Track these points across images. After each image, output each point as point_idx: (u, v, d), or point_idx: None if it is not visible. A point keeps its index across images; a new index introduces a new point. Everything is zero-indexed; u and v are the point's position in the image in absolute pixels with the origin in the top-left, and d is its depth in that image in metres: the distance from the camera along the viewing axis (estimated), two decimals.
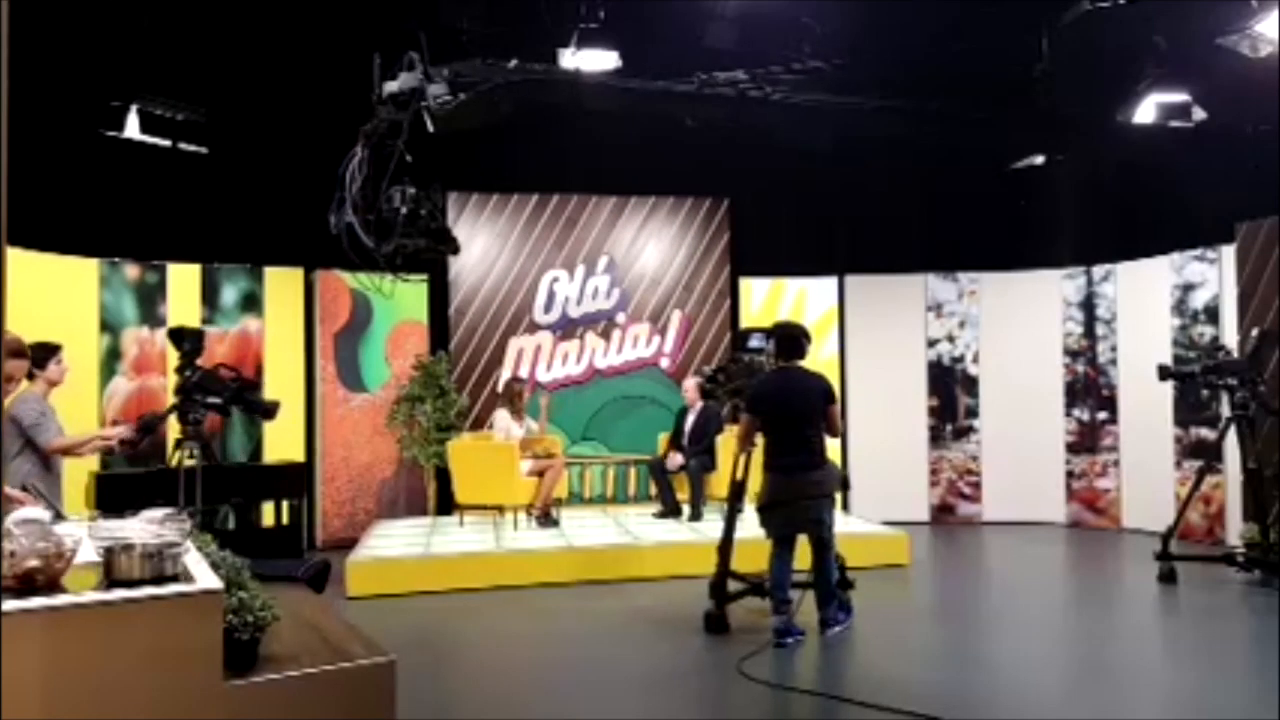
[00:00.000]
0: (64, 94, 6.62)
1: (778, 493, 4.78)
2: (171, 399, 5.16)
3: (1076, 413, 8.59)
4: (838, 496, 5.02)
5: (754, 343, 5.70)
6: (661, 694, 4.19)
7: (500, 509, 7.31)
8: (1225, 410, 6.49)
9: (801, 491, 4.75)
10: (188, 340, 5.41)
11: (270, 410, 5.73)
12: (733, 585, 5.16)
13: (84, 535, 2.39)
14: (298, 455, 7.75)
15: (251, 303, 7.77)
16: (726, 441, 7.51)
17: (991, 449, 8.73)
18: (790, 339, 4.98)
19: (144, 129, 6.72)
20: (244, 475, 7.25)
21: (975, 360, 8.86)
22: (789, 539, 4.87)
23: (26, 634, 1.97)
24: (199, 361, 5.76)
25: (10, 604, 1.92)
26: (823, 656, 4.67)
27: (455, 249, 4.89)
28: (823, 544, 4.86)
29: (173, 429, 5.12)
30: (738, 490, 5.27)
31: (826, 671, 4.55)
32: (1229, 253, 7.41)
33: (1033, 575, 6.93)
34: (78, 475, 5.75)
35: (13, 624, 1.91)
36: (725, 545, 5.16)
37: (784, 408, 4.84)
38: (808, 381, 4.90)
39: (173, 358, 7.36)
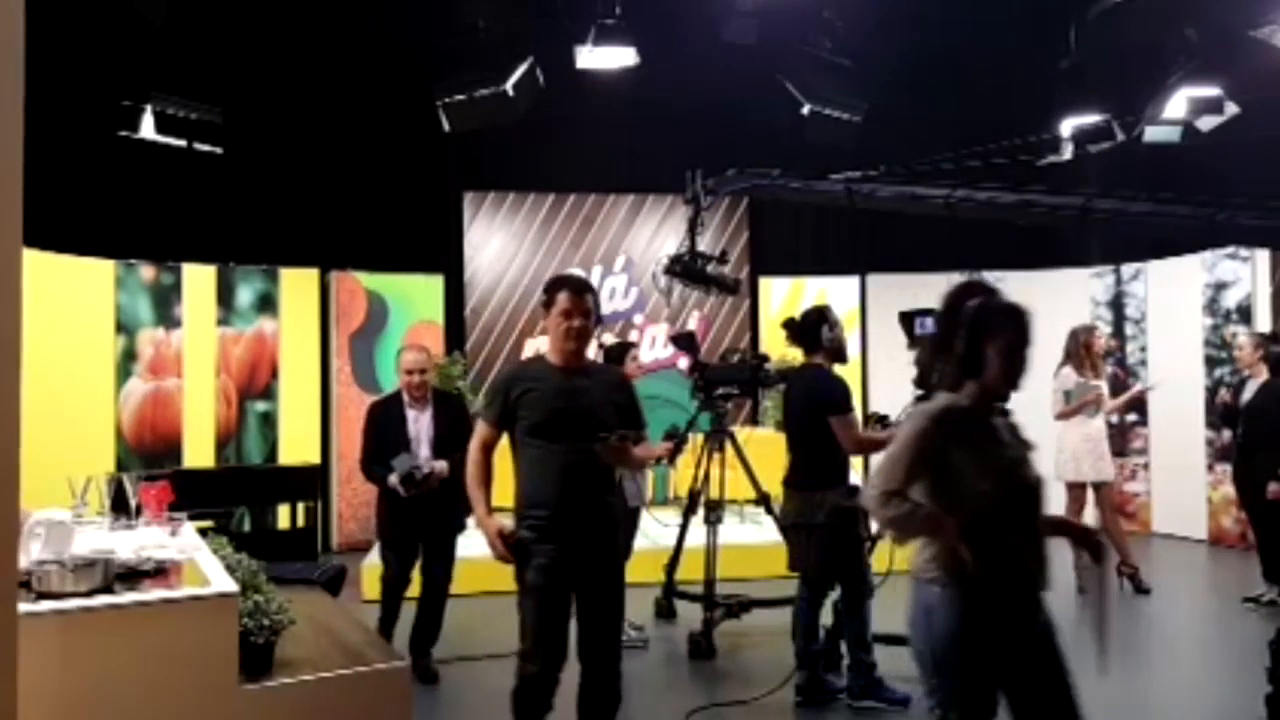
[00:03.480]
0: (79, 95, 6.61)
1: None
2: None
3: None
4: None
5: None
6: (671, 694, 4.09)
7: None
8: None
9: None
10: None
11: None
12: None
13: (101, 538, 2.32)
14: (313, 457, 7.69)
15: (267, 304, 7.72)
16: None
17: None
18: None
19: (159, 129, 6.68)
20: (259, 477, 7.21)
21: None
22: None
23: (41, 637, 1.93)
24: None
25: (25, 607, 1.88)
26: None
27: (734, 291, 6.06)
28: None
29: None
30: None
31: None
32: (1262, 250, 7.25)
33: (1059, 581, 6.77)
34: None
35: (27, 627, 1.86)
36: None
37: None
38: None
39: (190, 360, 7.37)
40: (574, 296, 3.00)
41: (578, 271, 8.69)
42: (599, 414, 2.96)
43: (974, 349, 2.27)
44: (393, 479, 4.18)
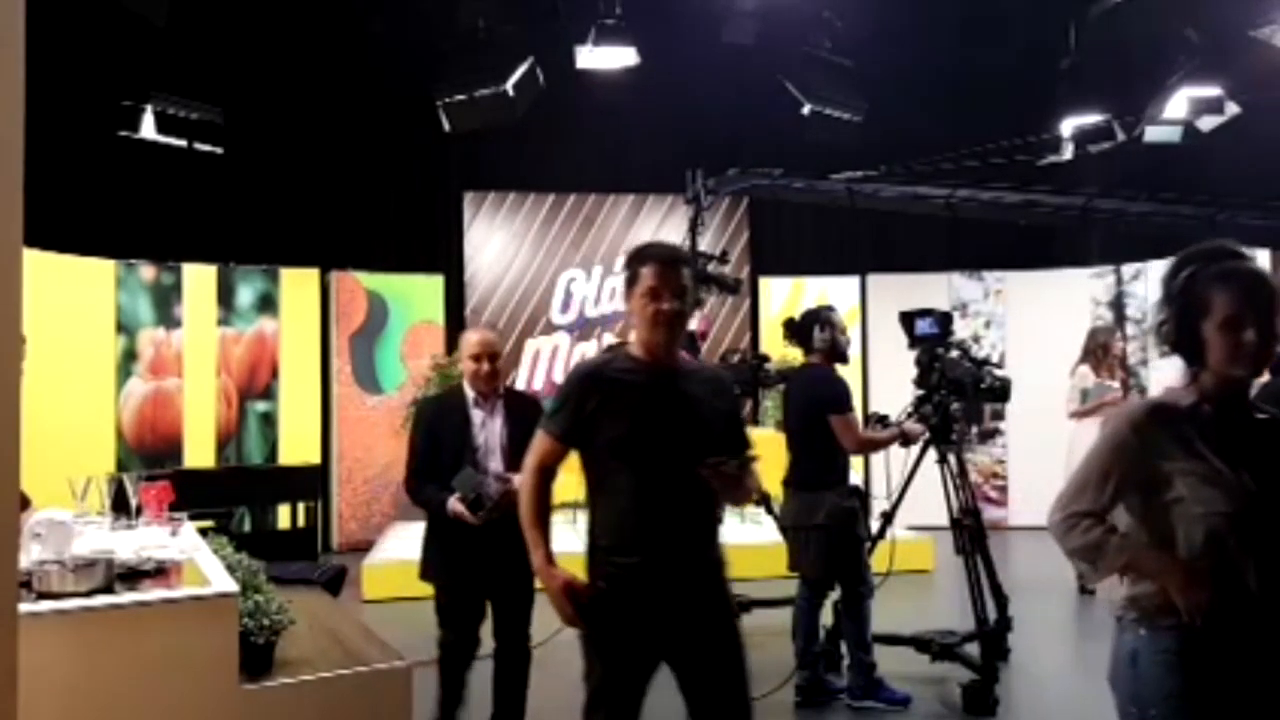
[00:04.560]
0: (79, 95, 6.61)
1: None
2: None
3: None
4: None
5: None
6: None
7: None
8: None
9: None
10: None
11: None
12: None
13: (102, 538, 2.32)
14: (314, 457, 7.69)
15: (267, 304, 7.72)
16: None
17: (1018, 452, 8.58)
18: None
19: (160, 129, 6.69)
20: (259, 477, 7.21)
21: (1002, 362, 8.70)
22: None
23: (41, 637, 1.93)
24: None
25: (25, 607, 1.88)
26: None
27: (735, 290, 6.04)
28: None
29: None
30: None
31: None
32: (1262, 250, 7.24)
33: (1061, 581, 6.77)
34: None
35: (28, 627, 1.87)
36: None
37: None
38: None
39: (190, 360, 7.36)
40: (663, 270, 2.27)
41: (578, 272, 8.69)
42: (707, 428, 2.28)
43: (1188, 331, 1.78)
44: (453, 502, 3.14)
